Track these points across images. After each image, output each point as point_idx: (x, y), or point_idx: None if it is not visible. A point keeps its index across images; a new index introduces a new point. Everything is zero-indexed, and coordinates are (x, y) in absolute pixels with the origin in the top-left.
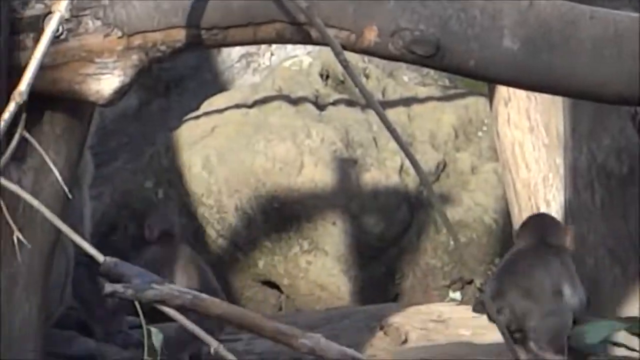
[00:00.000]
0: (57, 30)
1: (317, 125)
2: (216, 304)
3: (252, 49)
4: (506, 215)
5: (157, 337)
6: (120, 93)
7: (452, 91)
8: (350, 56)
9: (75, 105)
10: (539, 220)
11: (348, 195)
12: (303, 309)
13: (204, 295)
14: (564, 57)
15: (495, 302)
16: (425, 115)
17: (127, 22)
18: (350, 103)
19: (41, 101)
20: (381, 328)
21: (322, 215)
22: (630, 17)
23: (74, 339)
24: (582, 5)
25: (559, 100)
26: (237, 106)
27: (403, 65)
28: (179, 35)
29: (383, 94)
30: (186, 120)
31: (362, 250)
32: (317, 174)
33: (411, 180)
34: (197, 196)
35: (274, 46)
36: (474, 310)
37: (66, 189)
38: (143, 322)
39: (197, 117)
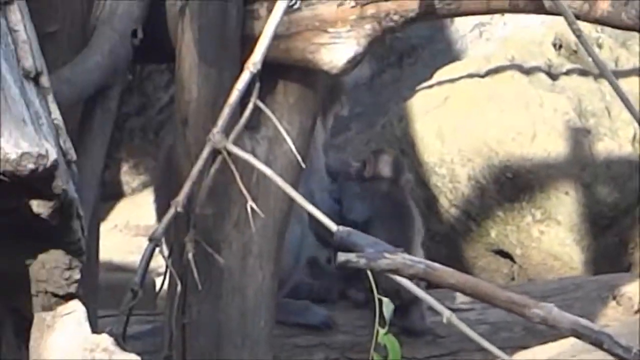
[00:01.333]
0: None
1: (550, 95)
2: (449, 273)
3: (485, 18)
4: None
5: (387, 307)
6: (354, 63)
7: None
8: (583, 26)
9: (309, 75)
10: None
11: (581, 165)
12: (535, 279)
13: (436, 265)
14: None
15: None
16: None
17: None
18: (583, 72)
19: (274, 71)
20: (614, 298)
21: (555, 185)
22: None
23: (307, 308)
24: None
25: None
26: (470, 76)
27: (636, 35)
28: (413, 5)
29: (616, 64)
30: (418, 90)
31: (595, 220)
32: (549, 144)
33: None
34: (429, 166)
35: (507, 15)
36: None
37: (299, 159)
38: (375, 292)
39: (430, 87)
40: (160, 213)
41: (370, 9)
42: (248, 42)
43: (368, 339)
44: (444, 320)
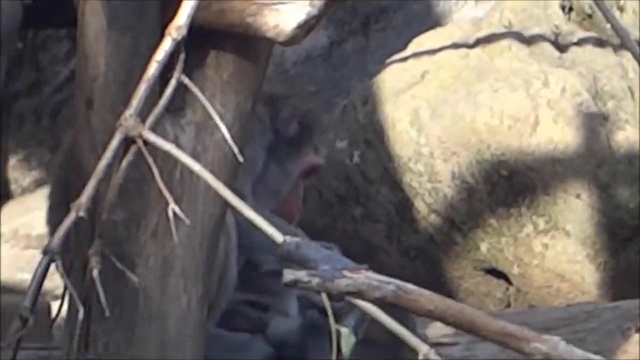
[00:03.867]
0: None
1: (557, 70)
2: (427, 297)
3: None
4: None
5: (347, 340)
6: (306, 28)
7: None
8: None
9: (248, 44)
10: None
11: (596, 161)
12: (537, 305)
13: (410, 286)
14: None
15: None
16: None
17: None
18: (599, 43)
19: (204, 38)
20: (637, 330)
21: (563, 186)
22: None
23: (246, 343)
24: None
25: None
26: (455, 46)
27: None
28: None
29: None
30: (389, 64)
31: (614, 231)
32: (556, 133)
33: None
34: (403, 160)
35: None
36: None
37: (236, 150)
38: (332, 320)
39: (404, 59)
40: (57, 219)
41: None
42: (171, 3)
43: None
44: (421, 358)
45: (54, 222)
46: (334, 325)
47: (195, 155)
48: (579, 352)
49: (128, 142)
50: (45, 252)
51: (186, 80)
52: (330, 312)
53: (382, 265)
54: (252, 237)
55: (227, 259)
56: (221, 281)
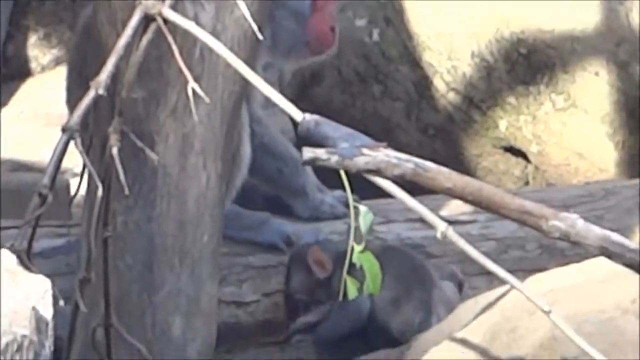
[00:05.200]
0: None
1: None
2: (445, 175)
3: None
4: None
5: (366, 217)
6: None
7: None
8: None
9: None
10: None
11: (615, 39)
12: (555, 183)
13: (429, 164)
14: None
15: None
16: None
17: None
18: None
19: None
20: None
21: (582, 64)
22: None
23: (264, 222)
24: None
25: None
26: None
27: None
28: None
29: None
30: None
31: (632, 109)
32: (576, 11)
33: None
34: (422, 39)
35: None
36: None
37: (255, 28)
38: (350, 197)
39: None
40: (76, 97)
41: None
42: None
43: None
44: (438, 235)
45: (73, 100)
46: (352, 203)
47: (214, 34)
48: (597, 229)
49: (148, 19)
50: (64, 129)
51: None
52: (348, 189)
53: (401, 143)
54: None
55: (240, 136)
56: (235, 159)
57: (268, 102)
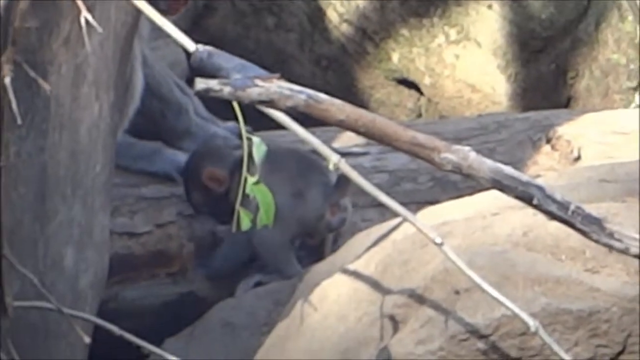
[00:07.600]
0: None
1: None
2: (338, 107)
3: None
4: None
5: (259, 148)
6: None
7: None
8: None
9: None
10: None
11: None
12: (448, 116)
13: (322, 96)
14: None
15: None
16: None
17: None
18: None
19: None
20: (548, 141)
21: None
22: None
23: (157, 152)
24: None
25: None
26: None
27: None
28: None
29: None
30: None
31: (525, 41)
32: None
33: None
34: None
35: None
36: None
37: None
38: (243, 128)
39: None
40: None
41: None
42: None
43: None
44: (331, 167)
45: None
46: (245, 134)
47: None
48: (489, 162)
49: None
50: None
51: None
52: (241, 121)
53: (295, 74)
54: None
55: (133, 66)
56: (128, 88)
57: (159, 34)
